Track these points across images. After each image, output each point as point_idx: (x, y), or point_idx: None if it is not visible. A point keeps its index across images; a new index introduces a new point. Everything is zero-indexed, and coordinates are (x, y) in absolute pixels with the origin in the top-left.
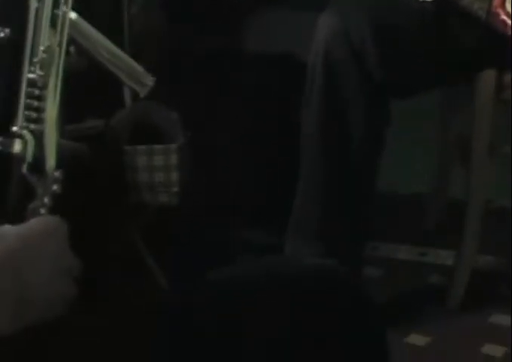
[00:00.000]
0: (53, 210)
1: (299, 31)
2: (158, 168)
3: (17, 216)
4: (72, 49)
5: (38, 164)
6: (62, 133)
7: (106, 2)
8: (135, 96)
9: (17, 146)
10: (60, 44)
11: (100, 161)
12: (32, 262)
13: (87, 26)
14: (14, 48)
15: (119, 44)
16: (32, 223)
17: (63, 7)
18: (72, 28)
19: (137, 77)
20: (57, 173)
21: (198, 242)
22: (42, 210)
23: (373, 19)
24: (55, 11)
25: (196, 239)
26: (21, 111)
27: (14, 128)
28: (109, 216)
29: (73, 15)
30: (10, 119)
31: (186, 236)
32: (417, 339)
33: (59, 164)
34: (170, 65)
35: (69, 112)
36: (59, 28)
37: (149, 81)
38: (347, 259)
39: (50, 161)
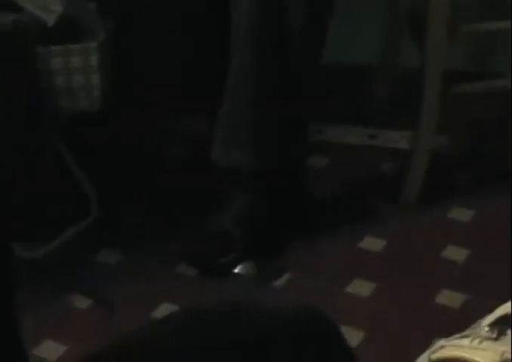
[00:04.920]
0: None
1: None
2: (77, 70)
3: None
4: None
5: None
6: None
7: None
8: None
9: None
10: None
11: (7, 64)
12: None
13: None
14: None
15: None
16: None
17: None
18: None
19: (40, 2)
20: None
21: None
22: None
23: None
24: None
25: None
26: None
27: None
28: (25, 124)
29: None
30: None
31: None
32: (371, 243)
33: None
34: None
35: None
36: None
37: (58, 6)
38: (289, 157)
39: None
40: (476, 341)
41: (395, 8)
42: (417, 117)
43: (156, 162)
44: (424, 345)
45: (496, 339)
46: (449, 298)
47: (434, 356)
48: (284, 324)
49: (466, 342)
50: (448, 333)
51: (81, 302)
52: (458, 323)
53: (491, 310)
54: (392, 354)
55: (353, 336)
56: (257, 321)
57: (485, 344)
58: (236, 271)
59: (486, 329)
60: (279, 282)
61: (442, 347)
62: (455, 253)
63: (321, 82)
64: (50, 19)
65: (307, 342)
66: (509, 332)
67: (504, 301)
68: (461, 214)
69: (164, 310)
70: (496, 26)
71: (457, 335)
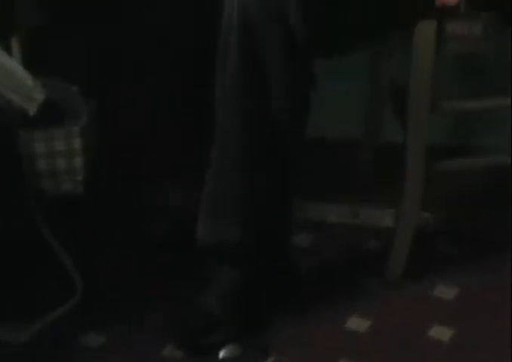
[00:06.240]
0: None
1: None
2: (60, 154)
3: None
4: None
5: None
6: None
7: None
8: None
9: None
10: None
11: None
12: None
13: None
14: None
15: None
16: None
17: None
18: None
19: (24, 92)
20: None
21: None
22: None
23: None
24: None
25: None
26: None
27: None
28: (8, 206)
29: None
30: None
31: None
32: (357, 323)
33: None
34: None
35: None
36: None
37: (40, 95)
38: (275, 237)
39: None
40: None
41: (377, 83)
42: (401, 193)
43: (140, 240)
44: None
45: None
46: None
47: None
48: None
49: None
50: None
51: None
52: None
53: None
54: None
55: None
56: None
57: None
58: (221, 355)
59: None
60: None
61: None
62: (441, 333)
63: (302, 157)
64: (32, 108)
65: None
66: None
67: None
68: (446, 292)
69: None
70: (478, 103)
71: None
